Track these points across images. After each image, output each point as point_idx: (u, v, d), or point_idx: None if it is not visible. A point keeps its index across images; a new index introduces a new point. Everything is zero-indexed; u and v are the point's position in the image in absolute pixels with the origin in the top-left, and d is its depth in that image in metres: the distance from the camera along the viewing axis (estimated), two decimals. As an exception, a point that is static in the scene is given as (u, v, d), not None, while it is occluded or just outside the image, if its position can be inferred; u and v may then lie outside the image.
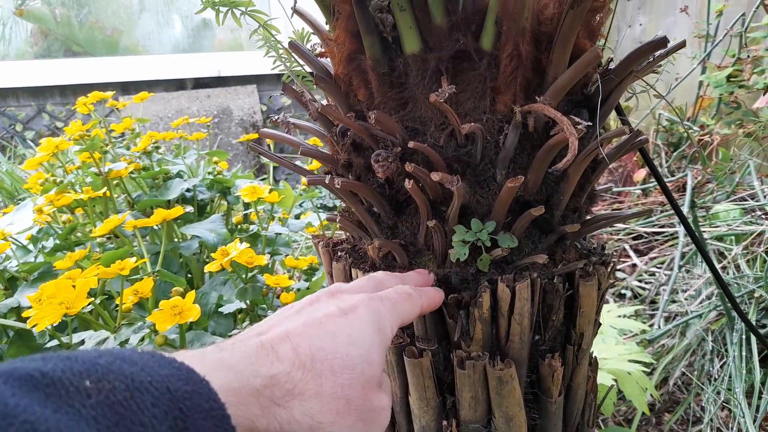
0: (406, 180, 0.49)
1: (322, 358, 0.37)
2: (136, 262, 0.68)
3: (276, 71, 0.70)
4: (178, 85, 3.66)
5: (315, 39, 0.64)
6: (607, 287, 0.59)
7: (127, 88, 3.57)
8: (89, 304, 0.59)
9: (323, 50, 0.62)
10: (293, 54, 0.61)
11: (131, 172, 1.08)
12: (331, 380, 0.37)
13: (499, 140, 0.51)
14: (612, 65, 0.53)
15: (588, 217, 0.60)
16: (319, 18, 0.62)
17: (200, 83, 3.69)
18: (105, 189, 0.99)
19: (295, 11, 0.63)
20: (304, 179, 1.29)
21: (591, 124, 0.46)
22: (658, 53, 0.51)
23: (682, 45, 0.56)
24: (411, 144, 0.49)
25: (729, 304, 1.25)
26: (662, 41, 0.48)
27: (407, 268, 0.57)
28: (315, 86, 0.57)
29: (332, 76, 0.58)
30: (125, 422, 0.26)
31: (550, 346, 0.56)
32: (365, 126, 0.52)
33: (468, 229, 0.52)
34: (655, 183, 1.99)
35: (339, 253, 0.63)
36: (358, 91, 0.55)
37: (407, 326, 0.57)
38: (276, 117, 0.66)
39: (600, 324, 0.60)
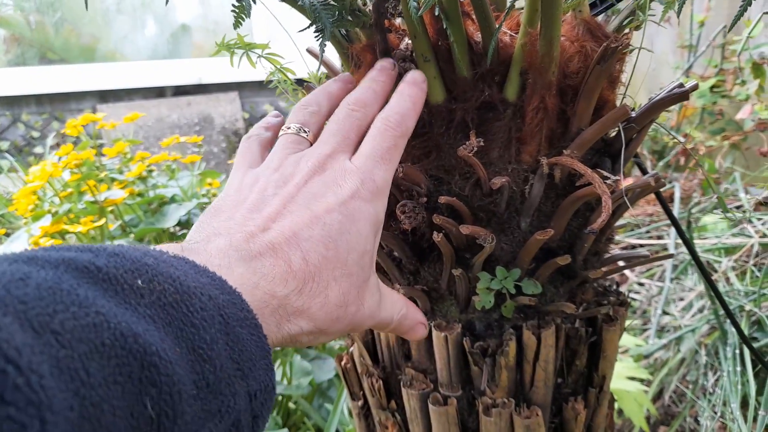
0: (434, 233, 0.49)
1: (328, 269, 0.37)
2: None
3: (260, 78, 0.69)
4: (158, 92, 3.61)
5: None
6: (624, 328, 0.60)
7: (105, 96, 3.51)
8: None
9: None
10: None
11: (126, 198, 1.06)
12: (335, 290, 0.37)
13: (525, 190, 0.51)
14: (632, 112, 0.53)
15: (607, 257, 0.61)
16: (334, 57, 0.62)
17: (180, 90, 3.64)
18: (103, 220, 0.97)
19: (310, 52, 0.62)
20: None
21: (618, 178, 0.47)
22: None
23: (695, 88, 0.57)
24: (442, 199, 0.48)
25: (722, 319, 1.27)
26: (684, 94, 0.48)
27: (429, 313, 0.57)
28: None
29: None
30: (178, 323, 0.27)
31: (572, 389, 0.57)
32: (390, 177, 0.51)
33: (492, 276, 0.52)
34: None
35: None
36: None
37: (430, 372, 0.57)
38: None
39: (615, 360, 0.61)
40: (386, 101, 0.47)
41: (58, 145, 3.28)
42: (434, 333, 0.54)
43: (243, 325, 0.30)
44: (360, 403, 0.63)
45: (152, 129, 3.39)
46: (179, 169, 1.33)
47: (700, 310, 1.41)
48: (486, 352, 0.53)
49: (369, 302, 0.41)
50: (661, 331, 1.49)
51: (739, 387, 1.16)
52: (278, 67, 0.59)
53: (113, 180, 1.16)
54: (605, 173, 0.46)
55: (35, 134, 3.43)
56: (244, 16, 0.51)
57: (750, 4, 0.39)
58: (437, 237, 0.49)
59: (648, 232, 1.92)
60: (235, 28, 0.55)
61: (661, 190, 1.64)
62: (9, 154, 3.32)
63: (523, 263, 0.52)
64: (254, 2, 0.49)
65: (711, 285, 0.68)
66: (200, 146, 1.38)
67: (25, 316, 0.21)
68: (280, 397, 0.97)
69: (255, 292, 0.33)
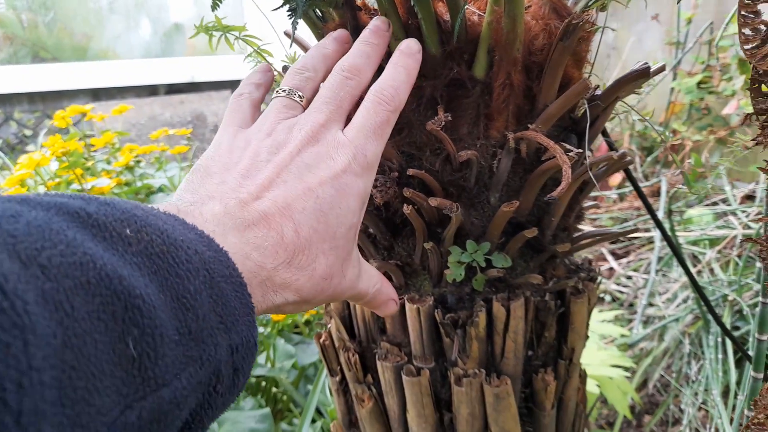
0: (404, 205, 0.51)
1: (317, 242, 0.37)
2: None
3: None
4: (151, 90, 3.62)
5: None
6: (595, 302, 0.61)
7: (97, 94, 3.51)
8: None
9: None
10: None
11: (113, 188, 1.07)
12: (322, 263, 0.37)
13: (493, 165, 0.52)
14: (598, 91, 0.54)
15: (576, 235, 0.62)
16: (309, 38, 0.63)
17: (173, 89, 3.64)
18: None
19: (287, 34, 0.64)
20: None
21: (581, 150, 0.48)
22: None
23: (662, 69, 0.58)
24: (410, 171, 0.50)
25: (704, 309, 1.29)
26: (645, 71, 0.50)
27: (403, 287, 0.58)
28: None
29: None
30: (163, 272, 0.28)
31: (543, 361, 0.58)
32: (362, 152, 0.53)
33: (463, 250, 0.54)
34: (631, 188, 2.04)
35: (334, 273, 0.64)
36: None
37: (404, 345, 0.58)
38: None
39: (588, 336, 0.62)
40: (379, 64, 0.47)
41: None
42: (407, 306, 0.55)
43: (228, 282, 0.31)
44: (338, 378, 0.64)
45: (145, 127, 3.40)
46: (167, 161, 1.34)
47: (684, 301, 1.43)
48: (457, 324, 0.54)
49: (350, 274, 0.41)
50: (647, 321, 1.50)
51: (721, 375, 1.18)
52: (255, 48, 0.60)
53: (101, 170, 1.17)
54: (568, 146, 0.48)
55: (27, 132, 3.43)
56: (219, 1, 0.52)
57: None
58: (407, 209, 0.50)
59: (635, 225, 1.94)
60: (213, 10, 0.57)
61: (649, 183, 1.65)
62: (1, 152, 3.32)
63: (493, 237, 0.53)
64: (229, -19, 0.50)
65: (687, 271, 0.70)
66: (189, 138, 1.39)
67: (14, 248, 0.22)
68: (263, 381, 0.99)
69: (246, 263, 0.34)
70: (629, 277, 1.78)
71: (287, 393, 0.98)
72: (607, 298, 1.69)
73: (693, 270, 1.50)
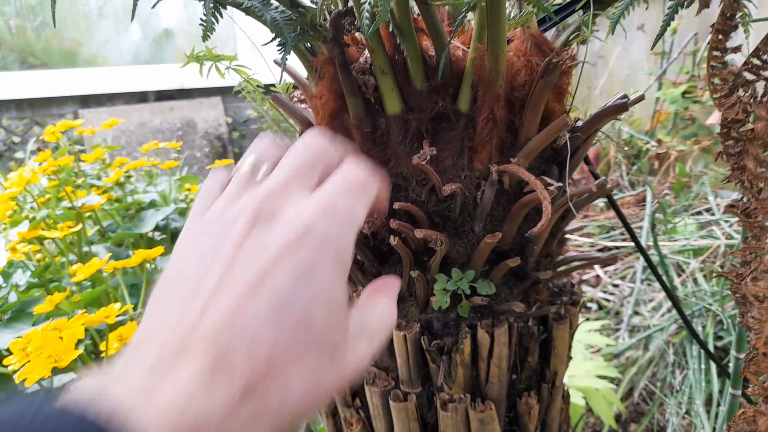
0: (391, 237, 0.52)
1: (285, 349, 0.28)
2: (120, 308, 0.69)
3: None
4: (140, 97, 3.61)
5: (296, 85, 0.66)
6: (577, 326, 0.63)
7: (86, 101, 3.50)
8: (77, 356, 0.59)
9: (303, 98, 0.65)
10: (277, 106, 0.63)
11: (103, 204, 1.08)
12: (299, 376, 0.28)
13: (477, 196, 0.54)
14: (579, 123, 0.56)
15: (559, 259, 0.64)
16: (300, 67, 0.64)
17: (163, 95, 3.63)
18: (80, 226, 0.98)
19: (277, 63, 0.65)
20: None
21: (561, 185, 0.50)
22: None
23: (640, 99, 0.60)
24: (397, 205, 0.51)
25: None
26: (623, 105, 0.51)
27: (390, 313, 0.60)
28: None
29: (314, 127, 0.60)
30: None
31: (526, 385, 0.60)
32: (350, 183, 0.54)
33: (449, 277, 0.55)
34: (620, 196, 2.07)
35: (323, 297, 0.65)
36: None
37: (392, 369, 0.59)
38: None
39: (571, 358, 0.64)
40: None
41: (39, 150, 3.27)
42: (394, 333, 0.56)
43: None
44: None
45: (134, 134, 3.39)
46: (158, 175, 1.35)
47: (669, 310, 1.46)
48: (443, 350, 0.56)
49: (355, 352, 0.32)
50: (633, 330, 1.53)
51: (704, 384, 1.20)
52: (246, 78, 0.61)
53: (91, 186, 1.18)
54: (549, 180, 0.49)
55: (16, 139, 3.41)
56: (209, 33, 0.53)
57: (676, 12, 0.42)
58: (394, 241, 0.52)
59: (623, 234, 1.97)
60: (203, 41, 0.58)
61: (634, 192, 1.67)
62: (-11, 159, 3.30)
63: (477, 265, 0.55)
64: (218, 20, 0.52)
65: (663, 285, 0.72)
66: (179, 152, 1.39)
67: None
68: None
69: (181, 424, 0.25)
70: (616, 285, 1.81)
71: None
72: (594, 306, 1.71)
73: (677, 280, 1.52)
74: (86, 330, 0.74)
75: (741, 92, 0.38)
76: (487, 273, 0.56)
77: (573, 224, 2.20)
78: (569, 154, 0.54)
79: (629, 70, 2.46)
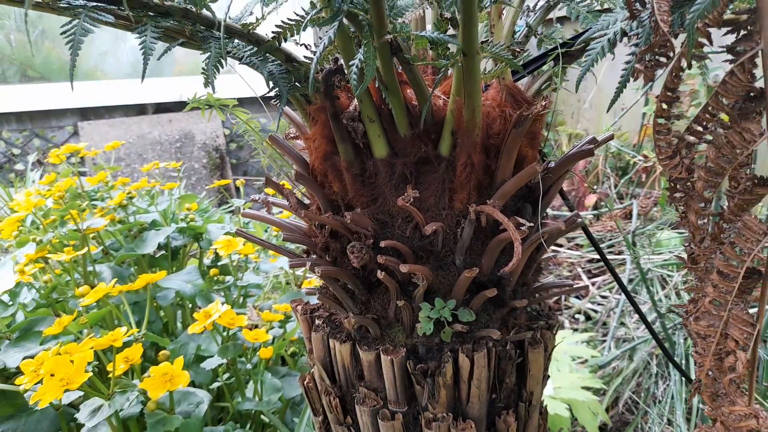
0: (378, 271, 0.57)
1: None
2: (126, 332, 0.73)
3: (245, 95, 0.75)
4: (139, 109, 3.65)
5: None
6: (553, 348, 0.68)
7: (85, 113, 3.55)
8: (87, 378, 0.64)
9: (298, 134, 0.70)
10: (273, 146, 0.68)
11: (107, 226, 1.12)
12: None
13: (457, 232, 0.59)
14: (551, 164, 0.61)
15: (535, 286, 0.69)
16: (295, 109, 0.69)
17: (162, 108, 3.68)
18: (86, 249, 1.03)
19: (272, 105, 0.70)
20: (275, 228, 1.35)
21: (532, 225, 0.55)
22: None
23: (609, 138, 0.65)
24: (383, 243, 0.56)
25: (670, 331, 1.36)
26: (589, 151, 0.57)
27: (379, 338, 0.64)
28: (294, 180, 0.64)
29: (308, 165, 0.65)
30: None
31: (505, 404, 0.64)
32: (342, 222, 0.59)
33: (432, 306, 0.60)
34: (607, 210, 2.12)
35: (317, 322, 0.70)
36: (333, 184, 0.63)
37: (380, 390, 0.64)
38: (256, 197, 0.73)
39: (548, 377, 0.69)
40: None
41: (39, 162, 3.31)
42: (382, 357, 0.61)
43: None
44: (321, 418, 0.70)
45: (133, 145, 3.44)
46: (159, 193, 1.39)
47: (653, 322, 1.51)
48: (427, 373, 0.60)
49: None
50: (619, 341, 1.58)
51: (684, 395, 1.25)
52: (244, 120, 0.66)
53: (95, 206, 1.22)
54: (521, 220, 0.54)
55: (16, 151, 3.45)
56: (210, 82, 0.58)
57: (624, 86, 0.47)
58: (380, 275, 0.57)
59: (611, 246, 2.02)
60: (205, 87, 0.63)
61: (621, 206, 1.72)
62: (-11, 171, 3.34)
63: (458, 295, 0.60)
64: (219, 71, 0.57)
65: (631, 301, 0.77)
66: (179, 171, 1.44)
67: None
68: (252, 412, 1.04)
69: None
70: (604, 297, 1.86)
71: (274, 424, 1.04)
72: (582, 317, 1.76)
73: (662, 292, 1.57)
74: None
75: (684, 153, 0.43)
76: (467, 302, 0.61)
77: (563, 236, 2.25)
78: (541, 193, 0.59)
79: (618, 85, 2.52)
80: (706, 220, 0.43)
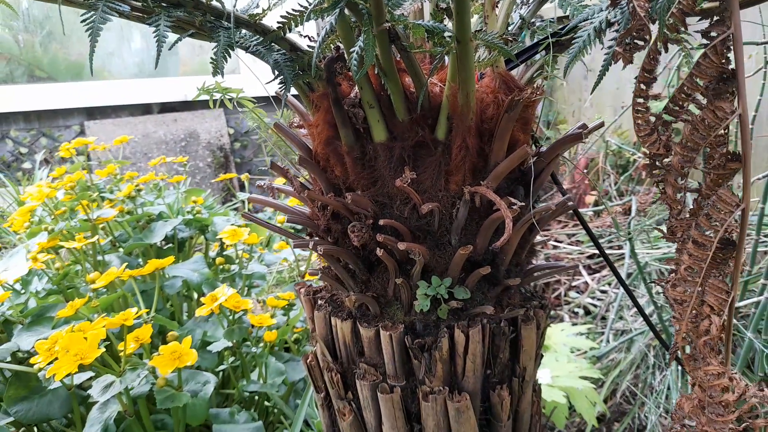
0: (377, 249, 0.60)
1: None
2: (137, 312, 0.76)
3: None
4: (144, 109, 3.70)
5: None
6: (546, 327, 0.70)
7: (92, 113, 3.59)
8: (100, 355, 0.67)
9: (301, 123, 0.73)
10: (278, 133, 0.71)
11: (116, 216, 1.16)
12: None
13: (453, 213, 0.62)
14: (543, 149, 0.64)
15: (529, 267, 0.72)
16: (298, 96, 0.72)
17: (167, 107, 3.72)
18: (96, 237, 1.06)
19: (278, 95, 0.73)
20: (281, 217, 1.39)
21: (524, 204, 0.58)
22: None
23: (600, 126, 0.68)
24: (382, 221, 0.59)
25: (667, 323, 1.39)
26: (579, 135, 0.59)
27: (379, 316, 0.67)
28: (298, 164, 0.67)
29: (311, 151, 0.68)
30: None
31: (499, 379, 0.67)
32: (343, 203, 0.62)
33: (429, 284, 0.63)
34: (607, 205, 2.15)
35: (319, 302, 0.73)
36: (335, 168, 0.66)
37: (380, 365, 0.67)
38: (261, 183, 0.76)
39: (542, 356, 0.72)
40: None
41: (46, 161, 3.36)
42: (382, 333, 0.64)
43: None
44: (323, 394, 0.73)
45: (139, 144, 3.48)
46: (166, 187, 1.43)
47: (650, 314, 1.53)
48: (424, 348, 0.63)
49: None
50: (617, 334, 1.60)
51: (680, 384, 1.28)
52: (250, 108, 0.69)
53: (104, 198, 1.26)
54: (512, 200, 0.57)
55: (23, 150, 3.50)
56: (219, 71, 0.61)
57: (607, 69, 0.50)
58: (379, 252, 0.60)
59: (610, 241, 2.05)
60: (213, 76, 0.66)
61: (621, 201, 1.75)
62: (-3, 170, 3.38)
63: (454, 273, 0.63)
64: (227, 60, 0.60)
65: (627, 291, 0.80)
66: (185, 166, 1.47)
67: None
68: (256, 396, 1.07)
69: None
70: (603, 291, 1.88)
71: (278, 407, 1.07)
72: (581, 311, 1.79)
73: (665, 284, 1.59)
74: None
75: (661, 131, 0.46)
76: (463, 280, 0.64)
77: (566, 230, 2.27)
78: (533, 176, 0.62)
79: (617, 83, 2.55)
80: (682, 194, 0.46)
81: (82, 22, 0.50)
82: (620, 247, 1.94)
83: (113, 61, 3.79)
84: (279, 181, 1.25)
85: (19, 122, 3.49)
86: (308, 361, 0.73)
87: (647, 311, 1.57)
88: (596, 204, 2.31)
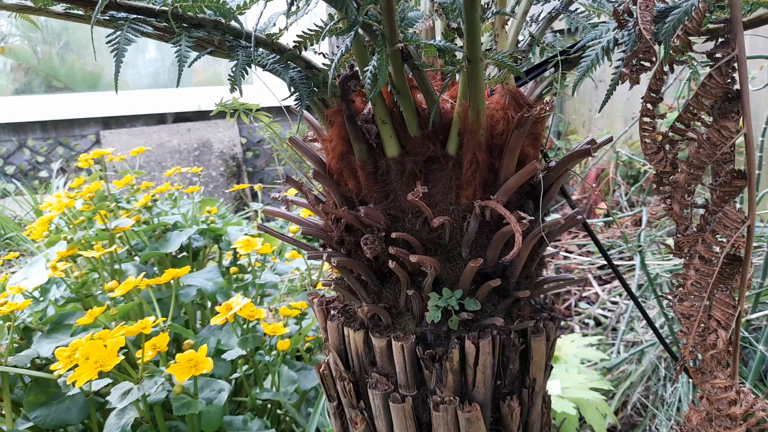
0: (389, 261, 0.61)
1: None
2: (154, 321, 0.78)
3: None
4: (159, 119, 3.75)
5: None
6: (555, 338, 0.71)
7: (108, 122, 3.65)
8: (118, 363, 0.69)
9: (315, 137, 0.75)
10: (293, 147, 0.73)
11: (133, 226, 1.18)
12: None
13: (463, 226, 0.63)
14: (552, 163, 0.65)
15: (539, 279, 0.73)
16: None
17: (181, 117, 3.78)
18: (114, 246, 1.09)
19: (291, 110, 0.75)
20: (293, 227, 1.41)
21: (534, 218, 0.59)
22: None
23: (609, 141, 0.69)
24: (394, 234, 0.61)
25: (677, 335, 1.39)
26: (587, 151, 0.61)
27: (390, 326, 0.69)
28: (313, 178, 0.68)
29: (325, 165, 0.70)
30: None
31: (509, 390, 0.68)
32: (356, 215, 0.64)
33: (440, 296, 0.64)
34: (618, 216, 2.15)
35: (332, 312, 0.74)
36: (348, 181, 0.67)
37: (391, 375, 0.68)
38: (276, 195, 0.78)
39: (552, 367, 0.72)
40: None
41: (63, 170, 3.41)
42: (393, 343, 0.65)
43: None
44: (335, 403, 0.74)
45: (153, 153, 3.53)
46: (181, 197, 1.46)
47: (661, 327, 1.53)
48: (435, 358, 0.65)
49: None
50: (628, 345, 1.60)
51: (690, 396, 1.27)
52: (266, 123, 0.71)
53: (120, 208, 1.28)
54: (522, 214, 0.58)
55: (40, 159, 3.56)
56: (237, 87, 0.63)
57: (614, 89, 0.51)
58: (391, 264, 0.61)
59: (620, 252, 2.04)
60: (231, 92, 0.68)
61: (631, 212, 1.74)
62: (14, 179, 3.44)
63: (465, 285, 0.64)
64: (244, 77, 0.62)
65: (637, 304, 0.80)
66: (199, 176, 1.50)
67: None
68: (269, 404, 1.09)
69: None
70: (614, 302, 1.88)
71: (290, 415, 1.08)
72: (592, 323, 1.78)
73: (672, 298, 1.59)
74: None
75: (668, 149, 0.47)
76: (473, 292, 0.65)
77: (576, 241, 2.27)
78: (542, 190, 0.63)
79: (628, 95, 2.56)
80: (689, 211, 0.47)
81: (107, 43, 0.53)
82: (631, 258, 1.93)
83: (128, 72, 3.85)
84: (291, 193, 1.27)
85: (37, 131, 3.56)
86: (321, 370, 0.74)
87: (658, 323, 1.57)
88: (607, 214, 2.31)
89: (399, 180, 0.63)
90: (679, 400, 1.33)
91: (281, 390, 1.01)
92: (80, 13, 0.57)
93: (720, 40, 0.45)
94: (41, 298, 1.16)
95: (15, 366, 0.96)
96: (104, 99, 3.62)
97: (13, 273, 1.33)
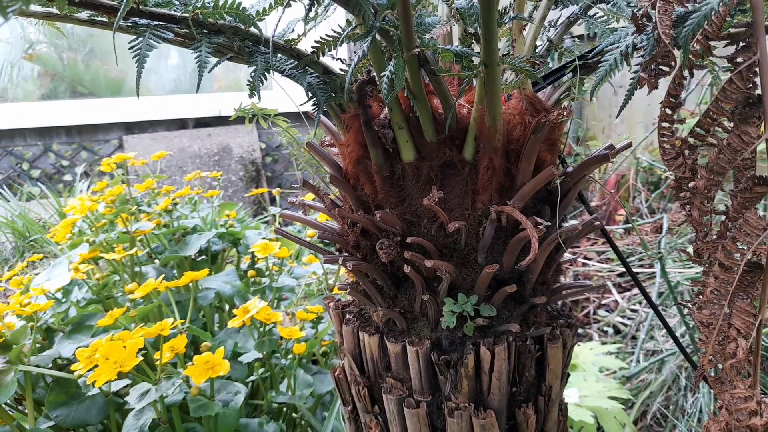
0: (405, 266, 0.61)
1: None
2: (173, 323, 0.79)
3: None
4: (180, 124, 3.81)
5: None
6: (572, 345, 0.71)
7: (130, 127, 3.72)
8: (137, 363, 0.70)
9: (332, 142, 0.75)
10: (310, 151, 0.73)
11: (153, 229, 1.20)
12: None
13: (479, 231, 0.63)
14: (570, 168, 0.65)
15: (556, 286, 0.72)
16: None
17: (201, 122, 3.83)
18: (135, 249, 1.11)
19: (309, 115, 0.76)
20: (310, 231, 1.41)
21: (550, 223, 0.59)
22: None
23: (628, 146, 0.69)
24: (409, 239, 0.61)
25: (697, 343, 1.36)
26: (605, 156, 0.60)
27: (405, 331, 0.69)
28: (329, 182, 0.69)
29: (342, 169, 0.70)
30: None
31: (525, 397, 0.68)
32: (372, 220, 0.64)
33: (455, 301, 0.64)
34: (638, 222, 2.12)
35: (348, 316, 0.74)
36: (364, 186, 0.68)
37: (406, 380, 0.68)
38: (293, 199, 0.78)
39: (569, 375, 0.72)
40: None
41: (86, 173, 3.48)
42: (408, 348, 0.65)
43: None
44: (350, 408, 0.74)
45: (174, 158, 3.58)
46: (201, 201, 1.47)
47: (682, 335, 1.50)
48: (450, 364, 0.64)
49: None
50: (648, 354, 1.57)
51: (711, 407, 1.25)
52: (284, 128, 0.72)
53: (141, 212, 1.30)
54: (538, 220, 0.58)
55: (65, 163, 3.63)
56: (255, 92, 0.64)
57: (632, 94, 0.51)
58: (407, 269, 0.61)
59: (640, 260, 2.02)
60: (250, 98, 0.69)
61: (651, 219, 1.73)
62: (39, 182, 3.52)
63: (480, 291, 0.64)
64: (263, 83, 0.63)
65: (657, 312, 0.79)
66: (219, 180, 1.52)
67: None
68: (284, 408, 1.09)
69: None
70: (634, 310, 1.86)
71: (306, 419, 1.08)
72: (611, 331, 1.76)
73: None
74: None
75: (687, 154, 0.46)
76: (489, 298, 0.65)
77: (596, 248, 2.25)
78: (559, 196, 0.63)
79: (649, 100, 2.53)
80: (708, 217, 0.46)
81: (130, 49, 0.54)
82: (651, 266, 1.91)
83: (150, 78, 3.92)
84: (308, 197, 1.28)
85: (61, 136, 3.63)
86: (336, 374, 0.75)
87: (679, 332, 1.54)
88: (626, 221, 2.28)
89: (415, 185, 0.63)
90: (700, 411, 1.30)
91: (297, 393, 1.02)
92: (104, 19, 0.58)
93: (741, 44, 0.44)
94: (63, 300, 1.18)
95: (37, 366, 0.98)
96: (127, 104, 3.68)
97: (36, 274, 1.36)
